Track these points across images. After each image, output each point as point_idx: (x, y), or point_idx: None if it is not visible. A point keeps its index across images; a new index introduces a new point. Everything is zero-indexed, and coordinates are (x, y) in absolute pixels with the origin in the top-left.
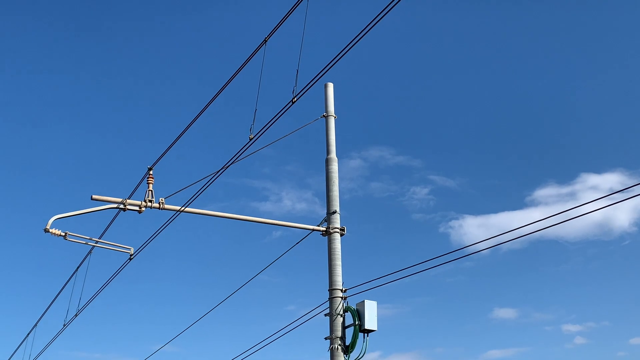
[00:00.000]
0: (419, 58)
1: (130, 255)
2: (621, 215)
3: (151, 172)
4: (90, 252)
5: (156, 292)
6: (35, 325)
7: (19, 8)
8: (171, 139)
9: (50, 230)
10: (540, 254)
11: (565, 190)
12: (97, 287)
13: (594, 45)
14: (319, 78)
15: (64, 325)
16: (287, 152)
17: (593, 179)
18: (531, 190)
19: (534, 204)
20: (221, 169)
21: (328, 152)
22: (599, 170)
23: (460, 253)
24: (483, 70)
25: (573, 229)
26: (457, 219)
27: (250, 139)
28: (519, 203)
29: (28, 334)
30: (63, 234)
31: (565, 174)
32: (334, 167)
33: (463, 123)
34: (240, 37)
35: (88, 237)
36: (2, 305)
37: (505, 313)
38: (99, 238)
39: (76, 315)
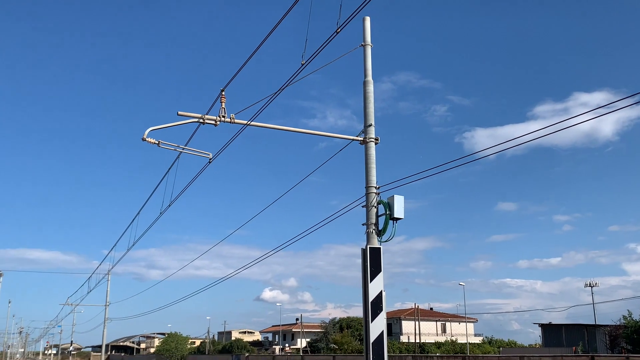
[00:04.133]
0: None
1: (209, 159)
2: (605, 127)
3: (223, 93)
4: (178, 157)
5: (229, 189)
6: (139, 212)
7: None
8: (239, 64)
9: (147, 139)
10: (537, 159)
11: (560, 106)
12: (184, 184)
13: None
14: (358, 12)
15: (160, 213)
16: (331, 77)
17: (584, 97)
18: (532, 107)
19: (533, 117)
20: (279, 90)
21: (365, 75)
22: (588, 89)
23: (471, 158)
24: (494, 6)
25: (565, 138)
26: (469, 130)
27: (302, 65)
28: (521, 117)
29: (133, 219)
30: (157, 142)
31: (560, 93)
32: (370, 88)
33: (476, 52)
34: None
35: (176, 145)
36: (113, 199)
37: (507, 206)
38: (185, 145)
39: (169, 205)
